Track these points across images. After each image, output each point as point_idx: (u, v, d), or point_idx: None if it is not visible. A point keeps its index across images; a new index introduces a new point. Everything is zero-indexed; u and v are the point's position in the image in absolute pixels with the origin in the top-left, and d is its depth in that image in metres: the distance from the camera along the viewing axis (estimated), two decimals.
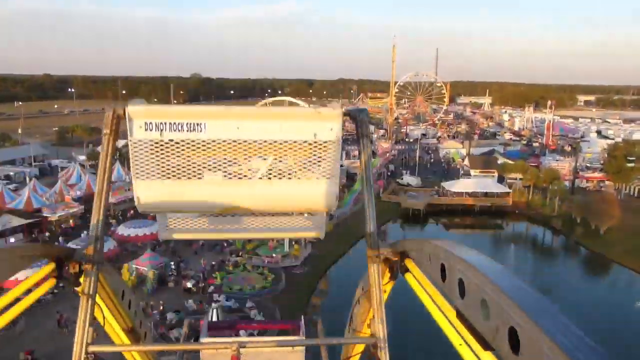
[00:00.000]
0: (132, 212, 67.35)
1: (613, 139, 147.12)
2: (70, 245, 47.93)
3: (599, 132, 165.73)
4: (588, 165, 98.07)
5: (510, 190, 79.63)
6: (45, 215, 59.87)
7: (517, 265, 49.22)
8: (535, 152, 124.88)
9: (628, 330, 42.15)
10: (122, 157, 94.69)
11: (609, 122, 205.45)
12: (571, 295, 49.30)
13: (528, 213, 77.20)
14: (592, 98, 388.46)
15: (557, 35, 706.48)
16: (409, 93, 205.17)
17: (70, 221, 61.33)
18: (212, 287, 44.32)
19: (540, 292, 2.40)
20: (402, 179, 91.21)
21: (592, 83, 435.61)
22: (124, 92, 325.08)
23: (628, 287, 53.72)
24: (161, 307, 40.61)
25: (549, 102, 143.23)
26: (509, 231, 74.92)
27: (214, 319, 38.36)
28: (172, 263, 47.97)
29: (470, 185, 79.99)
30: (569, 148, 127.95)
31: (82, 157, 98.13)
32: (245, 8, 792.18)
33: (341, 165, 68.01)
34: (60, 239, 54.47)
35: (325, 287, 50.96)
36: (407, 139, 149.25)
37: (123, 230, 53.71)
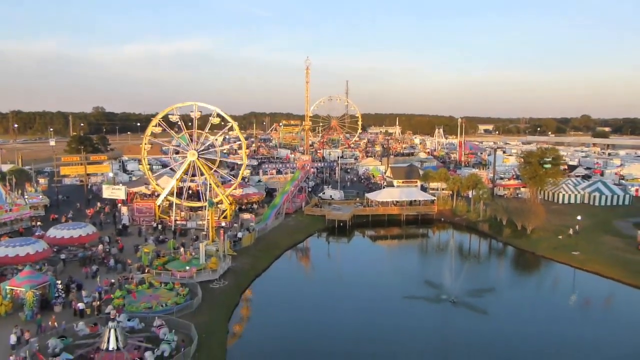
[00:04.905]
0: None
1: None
2: None
3: (503, 151, 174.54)
4: (502, 176, 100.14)
5: (435, 198, 77.91)
6: None
7: (457, 269, 45.93)
8: (450, 167, 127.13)
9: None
10: (4, 179, 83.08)
11: (510, 144, 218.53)
12: (514, 290, 49.26)
13: (454, 220, 75.68)
14: (490, 127, 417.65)
15: (459, 72, 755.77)
16: (321, 123, 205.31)
17: None
18: (110, 307, 35.97)
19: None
20: (323, 193, 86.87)
21: (488, 116, 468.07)
22: (16, 125, 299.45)
23: (559, 277, 53.98)
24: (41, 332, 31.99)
25: (459, 120, 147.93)
26: (437, 239, 72.58)
27: (112, 343, 30.66)
28: (59, 282, 38.93)
29: (395, 194, 77.22)
30: (484, 159, 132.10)
31: None
32: (151, 45, 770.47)
33: (259, 181, 61.98)
34: None
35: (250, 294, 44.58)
36: (325, 159, 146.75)
37: None
